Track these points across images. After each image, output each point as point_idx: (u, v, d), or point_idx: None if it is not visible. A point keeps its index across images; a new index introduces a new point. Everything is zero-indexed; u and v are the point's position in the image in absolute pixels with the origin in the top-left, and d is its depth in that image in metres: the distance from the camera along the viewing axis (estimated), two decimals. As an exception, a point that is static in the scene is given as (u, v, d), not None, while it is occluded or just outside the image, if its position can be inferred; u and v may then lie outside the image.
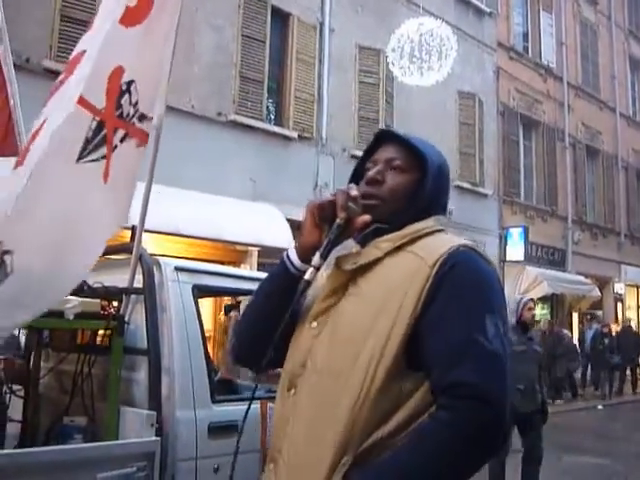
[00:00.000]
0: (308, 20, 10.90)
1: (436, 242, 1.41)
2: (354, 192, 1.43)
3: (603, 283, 17.58)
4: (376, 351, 1.30)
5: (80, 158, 2.37)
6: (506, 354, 1.28)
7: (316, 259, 1.42)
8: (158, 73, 2.62)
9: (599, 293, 16.11)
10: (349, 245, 1.47)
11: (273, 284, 1.53)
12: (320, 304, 1.45)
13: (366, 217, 1.43)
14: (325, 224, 1.45)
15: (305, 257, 1.46)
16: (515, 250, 13.98)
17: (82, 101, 2.36)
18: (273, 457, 1.42)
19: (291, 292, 1.42)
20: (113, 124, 2.46)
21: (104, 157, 2.43)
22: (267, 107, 10.33)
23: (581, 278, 15.82)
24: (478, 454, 1.24)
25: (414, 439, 1.24)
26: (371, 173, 1.51)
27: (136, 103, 2.52)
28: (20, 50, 6.93)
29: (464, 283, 1.32)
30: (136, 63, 2.50)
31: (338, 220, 1.41)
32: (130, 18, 2.47)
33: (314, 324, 1.44)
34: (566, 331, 13.88)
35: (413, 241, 1.42)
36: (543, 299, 14.75)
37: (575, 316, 16.75)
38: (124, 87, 2.49)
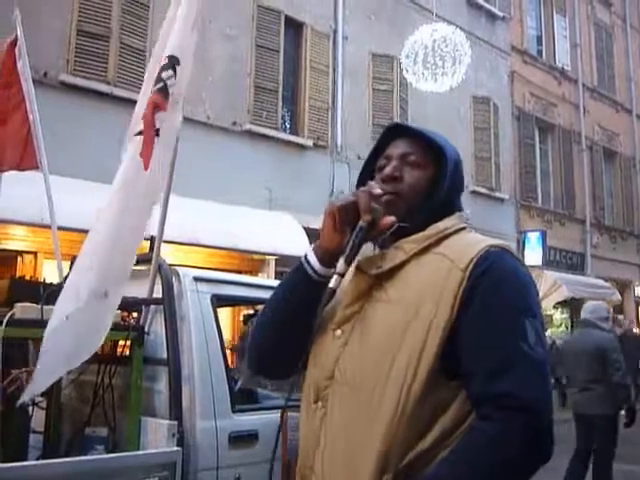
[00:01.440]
0: (321, 29, 10.94)
1: (464, 242, 1.36)
2: (377, 191, 1.35)
3: (623, 286, 17.37)
4: (412, 361, 1.24)
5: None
6: (547, 359, 1.25)
7: (341, 265, 1.33)
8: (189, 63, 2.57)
9: (619, 297, 15.92)
10: (368, 247, 1.40)
11: (292, 290, 1.43)
12: (344, 311, 1.38)
13: (391, 218, 1.34)
14: (347, 227, 1.35)
15: (326, 261, 1.37)
16: (533, 254, 13.87)
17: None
18: (305, 475, 1.36)
19: (312, 298, 1.36)
20: (152, 98, 2.40)
21: (139, 133, 2.36)
22: (282, 116, 10.35)
23: (601, 282, 15.64)
24: (529, 464, 1.21)
25: (460, 452, 1.19)
26: (388, 170, 1.44)
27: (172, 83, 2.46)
28: (38, 65, 7.01)
29: (500, 287, 1.27)
30: (176, 42, 2.50)
31: (361, 223, 1.32)
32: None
33: (338, 332, 1.36)
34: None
35: (439, 241, 1.36)
36: (562, 304, 14.60)
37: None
38: (165, 60, 2.45)
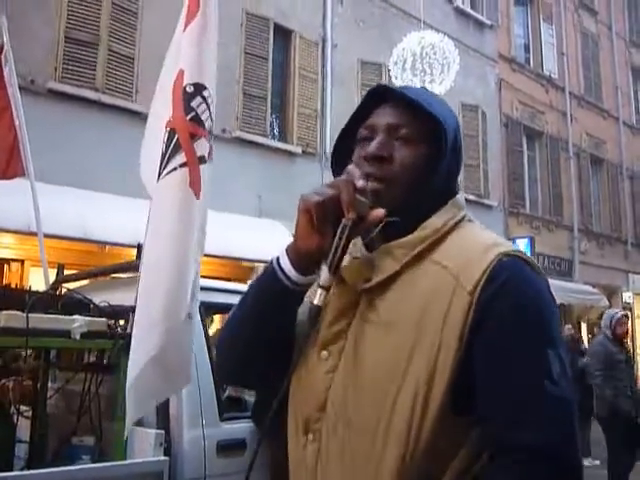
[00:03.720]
0: (310, 36, 10.97)
1: (467, 247, 1.12)
2: (361, 183, 1.09)
3: (611, 292, 17.47)
4: (419, 399, 1.04)
5: (159, 175, 2.28)
6: (572, 393, 1.05)
7: (324, 277, 1.10)
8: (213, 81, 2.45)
9: (607, 303, 15.99)
10: (356, 249, 1.17)
11: (262, 300, 1.20)
12: (329, 329, 1.17)
13: (381, 211, 1.09)
14: (326, 225, 1.10)
15: (302, 266, 1.14)
16: (522, 261, 13.90)
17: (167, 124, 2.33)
18: None
19: (286, 308, 1.17)
20: (186, 128, 2.31)
21: (184, 165, 2.28)
22: (271, 123, 10.37)
23: (589, 288, 15.72)
24: None
25: None
26: (373, 147, 1.16)
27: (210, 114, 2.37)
28: (25, 72, 6.99)
29: (518, 312, 1.04)
30: (196, 65, 2.39)
31: (345, 220, 1.07)
32: (183, 24, 2.43)
33: (324, 353, 1.16)
34: None
35: (436, 243, 1.13)
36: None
37: (584, 326, 16.63)
38: (190, 89, 2.35)
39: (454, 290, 1.06)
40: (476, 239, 1.14)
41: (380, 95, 1.22)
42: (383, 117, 1.19)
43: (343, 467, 1.10)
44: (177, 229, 2.26)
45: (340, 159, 1.26)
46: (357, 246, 1.17)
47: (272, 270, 1.17)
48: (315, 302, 1.10)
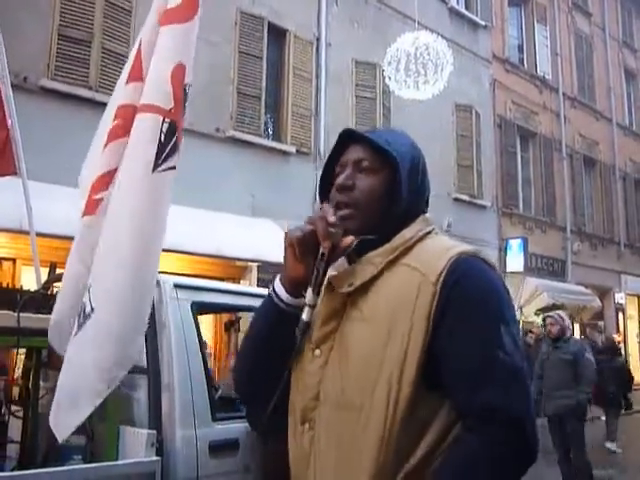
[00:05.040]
0: (305, 36, 10.96)
1: (432, 250, 1.34)
2: (332, 218, 1.32)
3: (603, 293, 17.54)
4: (393, 380, 1.24)
5: (156, 167, 2.13)
6: (525, 364, 1.26)
7: (309, 297, 1.35)
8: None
9: (600, 303, 16.06)
10: (338, 263, 1.39)
11: (264, 321, 1.45)
12: (320, 330, 1.37)
13: (349, 239, 1.33)
14: (308, 255, 1.34)
15: (293, 291, 1.39)
16: (515, 261, 13.96)
17: (143, 108, 2.18)
18: None
19: (283, 326, 1.37)
20: (181, 131, 2.23)
21: (174, 168, 2.20)
22: (265, 123, 10.34)
23: (581, 288, 15.78)
24: (514, 474, 1.23)
25: (448, 465, 1.21)
26: (340, 179, 1.41)
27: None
28: (18, 69, 6.95)
29: (473, 297, 1.26)
30: (191, 67, 2.31)
31: (322, 249, 1.32)
32: (180, 15, 2.29)
33: (317, 352, 1.36)
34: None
35: (407, 251, 1.35)
36: (543, 310, 14.70)
37: (577, 327, 16.70)
38: (188, 89, 2.29)
39: (421, 283, 1.27)
40: (441, 244, 1.37)
41: (349, 137, 1.46)
42: (352, 154, 1.44)
43: (331, 446, 1.29)
44: (157, 230, 2.23)
45: (326, 188, 1.50)
46: (341, 260, 1.39)
47: (269, 296, 1.43)
48: (303, 318, 1.34)
